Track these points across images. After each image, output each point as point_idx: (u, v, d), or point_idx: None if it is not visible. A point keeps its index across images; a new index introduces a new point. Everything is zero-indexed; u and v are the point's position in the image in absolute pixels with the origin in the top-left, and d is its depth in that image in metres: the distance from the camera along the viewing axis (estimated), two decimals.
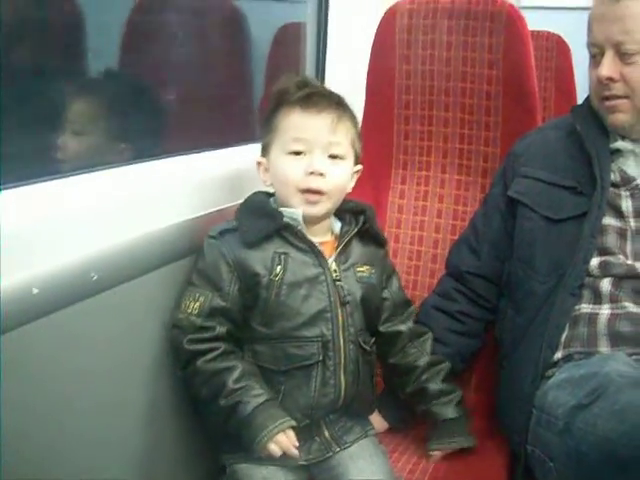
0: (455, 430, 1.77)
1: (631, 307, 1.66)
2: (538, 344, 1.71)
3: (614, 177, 1.76)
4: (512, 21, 2.05)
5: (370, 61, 2.19)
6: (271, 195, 1.66)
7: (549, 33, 3.54)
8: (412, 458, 1.75)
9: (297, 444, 1.51)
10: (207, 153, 1.85)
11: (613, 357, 1.58)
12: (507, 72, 2.06)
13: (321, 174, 1.57)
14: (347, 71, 2.40)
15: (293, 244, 1.57)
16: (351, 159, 1.64)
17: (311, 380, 1.56)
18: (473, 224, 1.97)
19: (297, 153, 1.58)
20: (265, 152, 1.64)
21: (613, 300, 1.68)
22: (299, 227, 1.58)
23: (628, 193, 1.76)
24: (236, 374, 1.51)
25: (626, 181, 1.76)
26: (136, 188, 1.54)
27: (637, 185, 1.76)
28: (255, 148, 1.72)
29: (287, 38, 2.75)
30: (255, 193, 1.66)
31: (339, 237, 1.65)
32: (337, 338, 1.57)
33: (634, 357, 1.61)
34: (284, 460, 1.52)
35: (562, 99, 3.36)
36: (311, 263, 1.58)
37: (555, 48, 3.52)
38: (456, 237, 2.04)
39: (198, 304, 1.53)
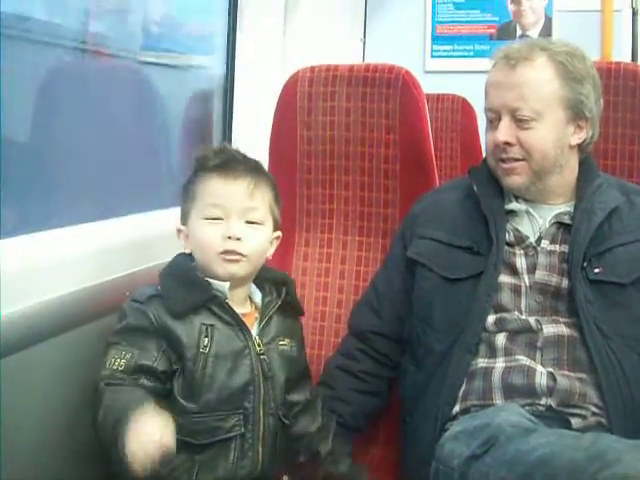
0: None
1: (523, 360, 1.72)
2: (437, 400, 1.75)
3: (509, 237, 1.83)
4: (407, 87, 2.13)
5: (273, 127, 2.25)
6: (193, 259, 1.66)
7: (454, 96, 3.64)
8: None
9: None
10: (116, 219, 1.89)
11: (506, 408, 1.63)
12: (404, 136, 2.14)
13: (238, 239, 1.59)
14: (252, 137, 2.46)
15: (219, 316, 1.59)
16: (269, 225, 1.68)
17: (229, 452, 1.56)
18: (374, 284, 2.02)
19: (215, 219, 1.60)
20: (184, 219, 1.67)
21: (507, 354, 1.73)
22: (226, 299, 1.60)
23: (522, 252, 1.83)
24: (139, 393, 1.47)
25: (519, 240, 1.83)
26: (38, 255, 1.56)
27: (530, 244, 1.83)
28: (164, 214, 1.78)
29: (199, 105, 2.81)
30: (178, 257, 1.67)
31: (262, 309, 1.68)
32: (257, 411, 1.59)
33: (527, 408, 1.66)
34: None
35: (468, 158, 3.45)
36: (236, 337, 1.60)
37: (460, 110, 3.62)
38: (359, 297, 2.08)
39: (124, 361, 1.52)
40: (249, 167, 1.66)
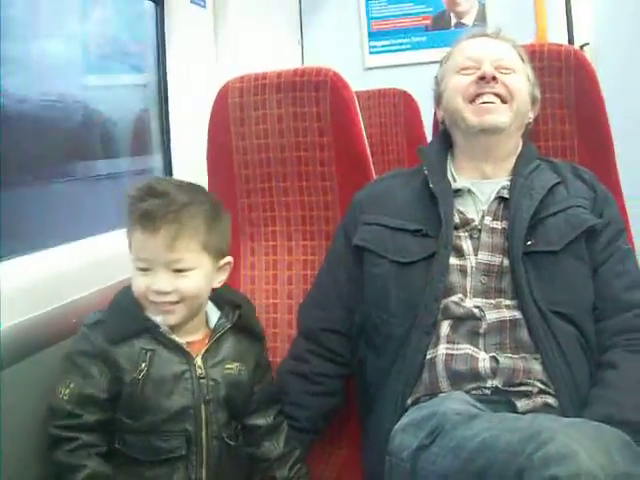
0: None
1: (466, 348, 1.74)
2: (397, 385, 1.78)
3: (455, 219, 1.86)
4: (337, 88, 2.15)
5: (208, 140, 2.27)
6: None
7: (396, 90, 3.66)
8: None
9: None
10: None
11: (451, 396, 1.65)
12: (337, 137, 2.15)
13: (164, 293, 1.59)
14: (191, 152, 2.46)
15: (160, 341, 1.60)
16: (205, 263, 1.65)
17: (174, 472, 1.58)
18: (318, 281, 2.03)
19: (143, 269, 1.60)
20: None
21: (449, 341, 1.76)
22: (162, 329, 1.61)
23: (467, 234, 1.85)
24: (81, 475, 1.50)
25: (465, 223, 1.86)
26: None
27: (475, 227, 1.85)
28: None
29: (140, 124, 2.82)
30: (125, 291, 1.67)
31: (213, 331, 1.69)
32: (199, 434, 1.61)
33: (473, 392, 1.69)
34: None
35: (414, 150, 3.45)
36: (177, 360, 1.61)
37: (403, 103, 3.64)
38: None
39: (69, 390, 1.55)
40: (171, 214, 1.58)
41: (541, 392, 1.70)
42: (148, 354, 1.58)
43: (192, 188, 1.68)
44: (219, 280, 1.71)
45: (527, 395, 1.69)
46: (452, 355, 1.74)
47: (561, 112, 2.16)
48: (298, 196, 2.21)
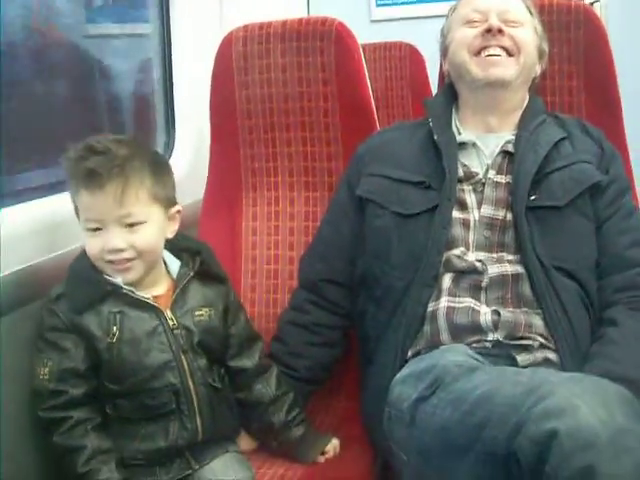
0: (311, 438, 1.83)
1: (468, 301, 1.74)
2: (398, 337, 1.78)
3: (459, 172, 1.84)
4: (341, 38, 2.12)
5: (211, 90, 2.24)
6: None
7: (402, 43, 3.63)
8: (279, 470, 1.78)
9: None
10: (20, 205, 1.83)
11: (451, 349, 1.66)
12: (341, 88, 2.13)
13: (119, 250, 1.56)
14: (194, 102, 2.44)
15: (126, 301, 1.59)
16: (156, 213, 1.62)
17: (169, 425, 1.60)
18: (320, 232, 2.03)
19: (94, 229, 1.57)
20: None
21: (451, 294, 1.75)
22: (125, 290, 1.59)
23: (471, 187, 1.84)
24: (84, 456, 1.52)
25: (469, 176, 1.84)
26: None
27: (479, 180, 1.84)
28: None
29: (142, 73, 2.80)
30: (80, 257, 1.63)
31: (177, 281, 1.67)
32: (186, 385, 1.61)
33: (474, 345, 1.69)
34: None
35: (419, 105, 3.44)
36: (147, 317, 1.59)
37: (408, 57, 3.61)
38: None
39: (48, 369, 1.54)
40: (114, 170, 1.54)
41: (542, 347, 1.70)
42: (117, 317, 1.57)
43: (131, 142, 1.64)
44: (171, 230, 1.68)
45: (528, 349, 1.69)
46: (454, 308, 1.73)
47: (569, 67, 2.14)
48: (301, 147, 2.18)
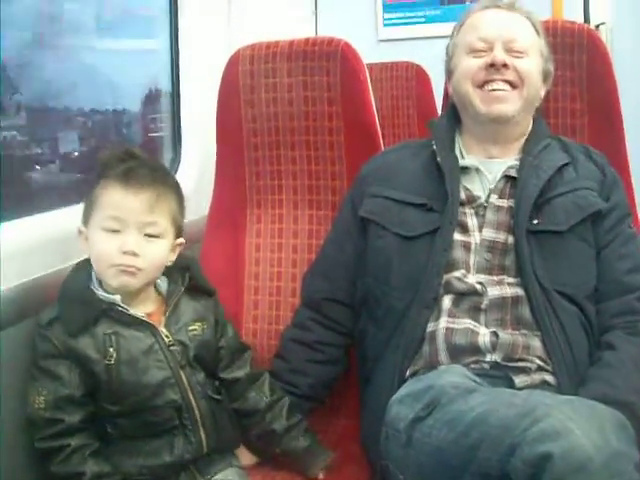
0: (316, 451, 1.85)
1: (467, 323, 1.75)
2: (396, 358, 1.79)
3: (461, 196, 1.85)
4: (347, 59, 2.14)
5: (218, 107, 2.26)
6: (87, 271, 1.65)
7: (408, 63, 3.65)
8: None
9: None
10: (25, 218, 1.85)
11: (449, 370, 1.67)
12: (346, 107, 2.14)
13: (134, 254, 1.57)
14: (200, 118, 2.47)
15: (121, 321, 1.59)
16: (170, 235, 1.65)
17: (174, 440, 1.61)
18: (324, 251, 2.04)
19: (113, 231, 1.57)
20: (85, 222, 1.63)
21: (450, 315, 1.76)
22: (119, 308, 1.59)
23: (473, 211, 1.85)
24: None
25: (471, 200, 1.85)
26: None
27: (481, 204, 1.85)
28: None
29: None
30: (75, 269, 1.65)
31: (167, 298, 1.68)
32: (188, 400, 1.62)
33: (472, 366, 1.70)
34: None
35: (424, 124, 3.45)
36: (142, 335, 1.60)
37: (415, 77, 3.63)
38: None
39: (43, 398, 1.54)
40: (153, 178, 1.61)
41: (539, 369, 1.71)
42: (112, 338, 1.57)
43: (163, 165, 1.75)
44: (171, 259, 1.69)
45: (525, 371, 1.70)
46: (452, 329, 1.74)
47: (572, 90, 2.14)
48: (306, 165, 2.20)
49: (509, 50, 1.86)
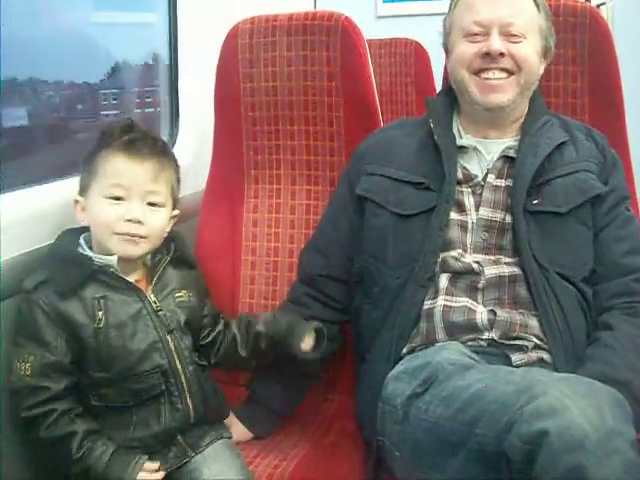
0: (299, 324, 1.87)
1: (464, 301, 1.75)
2: (392, 336, 1.78)
3: (458, 175, 1.84)
4: (347, 34, 2.12)
5: (216, 81, 2.24)
6: (81, 232, 1.66)
7: (407, 40, 3.64)
8: (273, 461, 1.79)
9: (156, 468, 1.59)
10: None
11: (446, 347, 1.67)
12: (346, 83, 2.13)
13: (139, 221, 1.59)
14: (199, 92, 2.45)
15: (110, 285, 1.59)
16: (170, 206, 1.69)
17: (160, 408, 1.62)
18: (320, 227, 2.03)
19: (116, 199, 1.59)
20: (83, 192, 1.64)
21: (448, 294, 1.76)
22: (111, 269, 1.60)
23: (470, 190, 1.84)
24: (76, 441, 1.53)
25: (468, 179, 1.84)
26: None
27: (478, 182, 1.84)
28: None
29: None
30: (62, 236, 1.66)
31: (152, 267, 1.69)
32: (174, 365, 1.63)
33: (469, 343, 1.70)
34: None
35: (423, 101, 3.45)
36: (131, 300, 1.61)
37: (414, 54, 3.62)
38: None
39: (29, 365, 1.53)
40: (156, 149, 1.65)
41: (536, 347, 1.71)
42: (101, 302, 1.57)
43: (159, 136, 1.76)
44: (168, 229, 1.72)
45: (522, 349, 1.70)
46: (450, 307, 1.74)
47: (573, 69, 2.13)
48: (304, 140, 2.19)
49: (506, 34, 1.81)
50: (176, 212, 1.72)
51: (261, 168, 2.24)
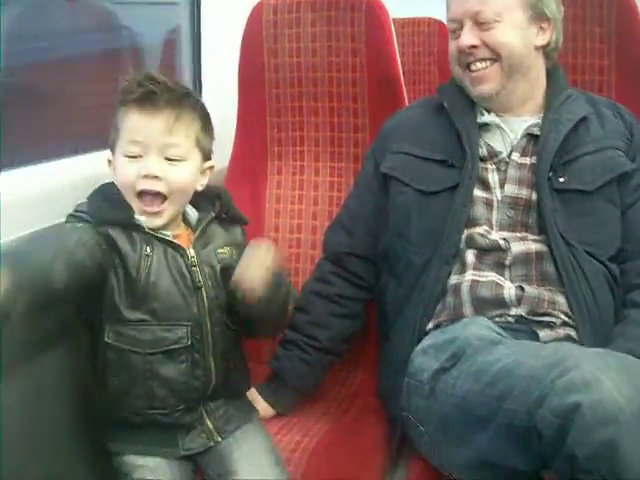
0: None
1: (491, 276, 1.74)
2: (416, 313, 1.77)
3: (481, 151, 1.83)
4: (372, 9, 2.11)
5: (240, 58, 2.23)
6: None
7: (430, 19, 3.61)
8: (295, 437, 1.79)
9: None
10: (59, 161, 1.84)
11: (474, 321, 1.65)
12: (370, 59, 2.12)
13: (155, 176, 1.54)
14: (222, 69, 2.43)
15: (151, 235, 1.55)
16: (196, 158, 1.61)
17: (180, 364, 1.55)
18: (346, 205, 2.02)
19: (134, 157, 1.55)
20: (112, 150, 1.61)
21: (476, 269, 1.75)
22: (147, 229, 1.56)
23: (494, 167, 1.83)
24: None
25: (492, 155, 1.83)
26: None
27: (502, 159, 1.83)
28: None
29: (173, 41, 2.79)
30: (107, 185, 1.60)
31: (195, 225, 1.64)
32: (205, 322, 1.57)
33: (496, 319, 1.69)
34: (167, 451, 1.58)
35: (446, 82, 3.42)
36: (173, 251, 1.56)
37: (437, 33, 3.59)
38: None
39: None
40: (173, 98, 1.57)
41: (564, 324, 1.70)
42: (148, 240, 1.54)
43: (186, 87, 1.68)
44: (201, 182, 1.65)
45: (550, 326, 1.69)
46: (478, 282, 1.73)
47: (600, 46, 2.12)
48: (328, 117, 2.18)
49: (477, 23, 1.79)
50: (210, 163, 1.67)
51: (285, 145, 2.23)
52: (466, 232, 1.78)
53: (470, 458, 1.47)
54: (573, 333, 1.69)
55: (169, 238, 1.57)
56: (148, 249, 1.53)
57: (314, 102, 2.19)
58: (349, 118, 2.16)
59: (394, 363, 1.78)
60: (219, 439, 1.62)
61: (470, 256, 1.76)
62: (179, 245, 1.57)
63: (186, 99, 1.60)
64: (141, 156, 1.54)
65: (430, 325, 1.75)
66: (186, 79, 2.52)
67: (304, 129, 2.21)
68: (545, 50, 1.87)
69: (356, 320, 1.98)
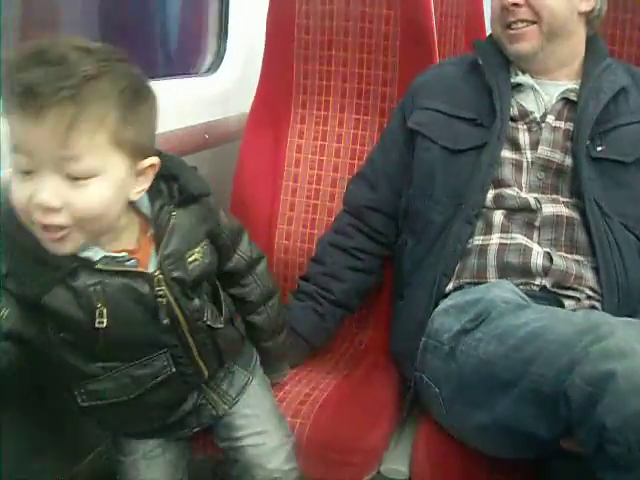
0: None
1: (520, 238, 1.70)
2: (435, 272, 1.74)
3: (513, 111, 1.79)
4: None
5: (270, 1, 2.17)
6: None
7: None
8: (304, 390, 1.75)
9: None
10: None
11: (498, 284, 1.61)
12: (405, 13, 2.06)
13: (50, 209, 1.10)
14: (250, 10, 2.38)
15: (102, 271, 1.21)
16: (116, 166, 1.15)
17: (170, 385, 1.36)
18: (371, 159, 1.98)
19: (26, 172, 1.10)
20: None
21: (504, 231, 1.71)
22: (98, 265, 1.21)
23: (525, 127, 1.79)
24: None
25: (524, 115, 1.80)
26: None
27: (535, 119, 1.79)
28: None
29: None
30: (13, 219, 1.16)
31: (154, 222, 1.28)
32: (185, 341, 1.34)
33: (520, 287, 1.64)
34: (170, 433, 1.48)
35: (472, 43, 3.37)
36: (131, 280, 1.24)
37: None
38: None
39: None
40: (65, 91, 1.05)
41: (589, 298, 1.66)
42: (97, 290, 1.21)
43: (105, 53, 1.13)
44: (138, 190, 1.22)
45: (574, 299, 1.65)
46: (505, 245, 1.69)
47: None
48: (357, 68, 2.12)
49: None
50: (150, 161, 1.21)
51: (310, 93, 2.17)
52: (494, 192, 1.74)
53: (486, 422, 1.43)
54: (597, 305, 1.66)
55: (127, 268, 1.24)
56: (99, 304, 1.20)
57: (344, 52, 2.13)
58: (378, 71, 2.11)
59: (409, 322, 1.75)
60: (225, 407, 1.49)
61: (498, 216, 1.73)
62: (140, 274, 1.25)
63: (89, 86, 1.08)
64: (34, 171, 1.10)
65: (450, 286, 1.72)
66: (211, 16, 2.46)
67: (331, 79, 2.15)
68: (588, 17, 1.83)
69: (372, 276, 1.95)
